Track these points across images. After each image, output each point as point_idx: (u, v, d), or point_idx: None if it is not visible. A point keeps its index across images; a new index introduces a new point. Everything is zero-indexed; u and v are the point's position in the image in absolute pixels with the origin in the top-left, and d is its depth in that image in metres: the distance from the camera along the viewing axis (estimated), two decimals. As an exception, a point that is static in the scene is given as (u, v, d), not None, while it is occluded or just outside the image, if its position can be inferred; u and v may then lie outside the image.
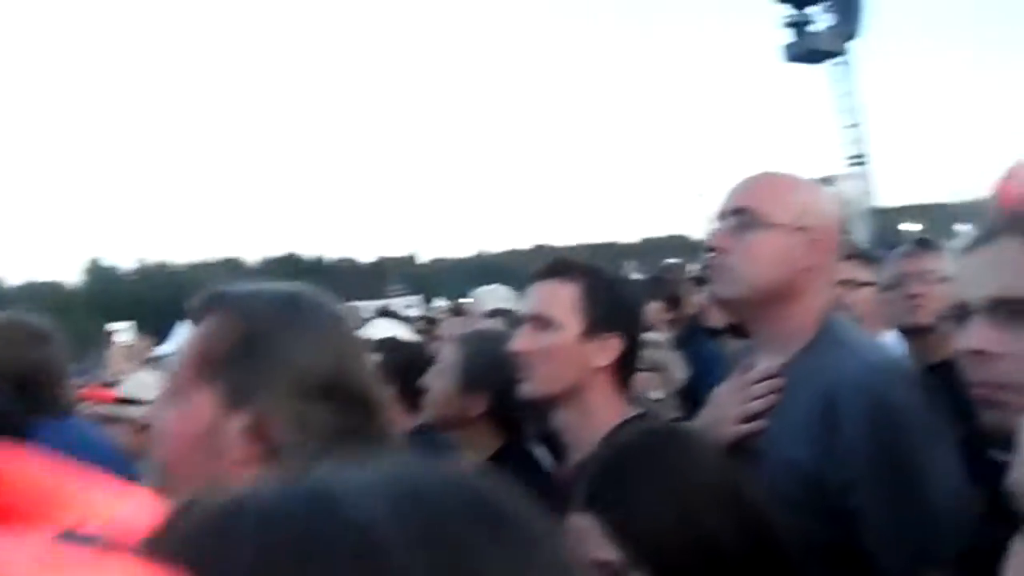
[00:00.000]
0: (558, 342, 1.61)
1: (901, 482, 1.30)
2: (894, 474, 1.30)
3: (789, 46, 43.47)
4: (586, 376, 1.62)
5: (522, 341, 1.64)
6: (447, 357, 2.14)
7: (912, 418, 1.32)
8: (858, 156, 45.35)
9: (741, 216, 1.50)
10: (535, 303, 1.68)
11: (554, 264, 1.72)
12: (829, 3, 42.56)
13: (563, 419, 1.66)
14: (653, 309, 3.79)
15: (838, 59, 44.16)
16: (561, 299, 1.64)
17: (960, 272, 1.09)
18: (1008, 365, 0.99)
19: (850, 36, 43.24)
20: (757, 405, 1.48)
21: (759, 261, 1.47)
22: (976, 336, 1.01)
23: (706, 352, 3.58)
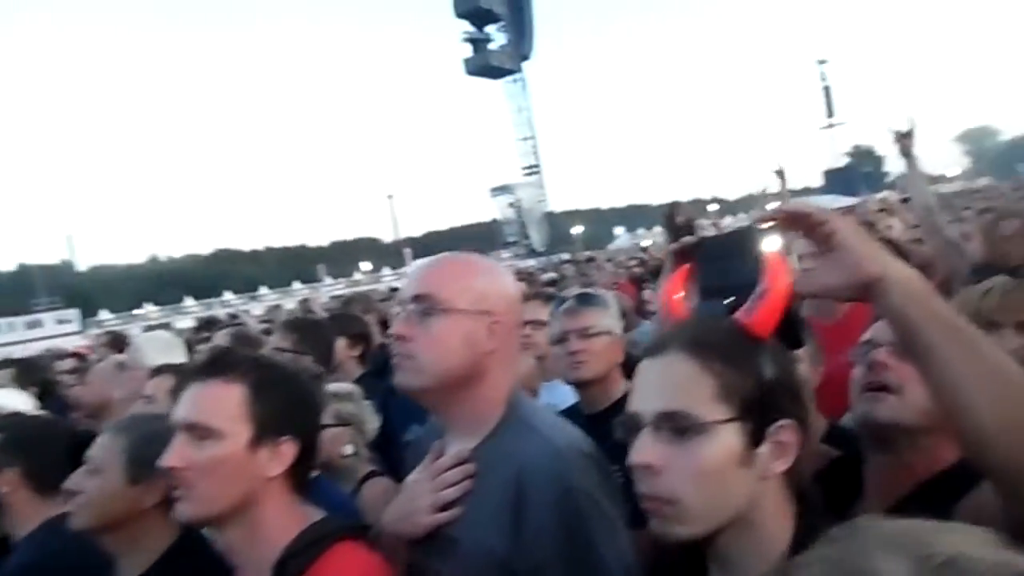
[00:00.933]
0: (221, 454, 1.38)
1: (584, 568, 1.32)
2: (577, 560, 1.32)
3: (468, 60, 46.20)
4: (257, 488, 1.42)
5: (177, 455, 1.38)
6: (101, 452, 1.78)
7: (593, 503, 1.35)
8: (533, 166, 49.77)
9: (421, 303, 1.45)
10: (191, 410, 1.41)
11: (214, 361, 1.48)
12: (503, 24, 46.03)
13: (230, 538, 1.43)
14: (340, 347, 3.62)
15: (514, 76, 48.01)
16: (224, 404, 1.41)
17: (635, 381, 1.12)
18: (670, 479, 1.02)
19: (524, 56, 47.22)
20: (450, 493, 1.44)
21: (442, 348, 1.43)
22: (643, 451, 1.04)
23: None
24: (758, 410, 1.03)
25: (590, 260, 8.34)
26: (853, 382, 1.46)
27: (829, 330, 2.45)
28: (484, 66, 47.31)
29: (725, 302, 1.10)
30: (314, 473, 1.64)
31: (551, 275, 10.24)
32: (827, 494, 1.47)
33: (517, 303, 1.56)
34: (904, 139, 3.63)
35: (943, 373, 0.97)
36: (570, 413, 2.41)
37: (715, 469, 1.01)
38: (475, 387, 1.46)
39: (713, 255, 1.11)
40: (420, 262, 1.56)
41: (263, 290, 47.83)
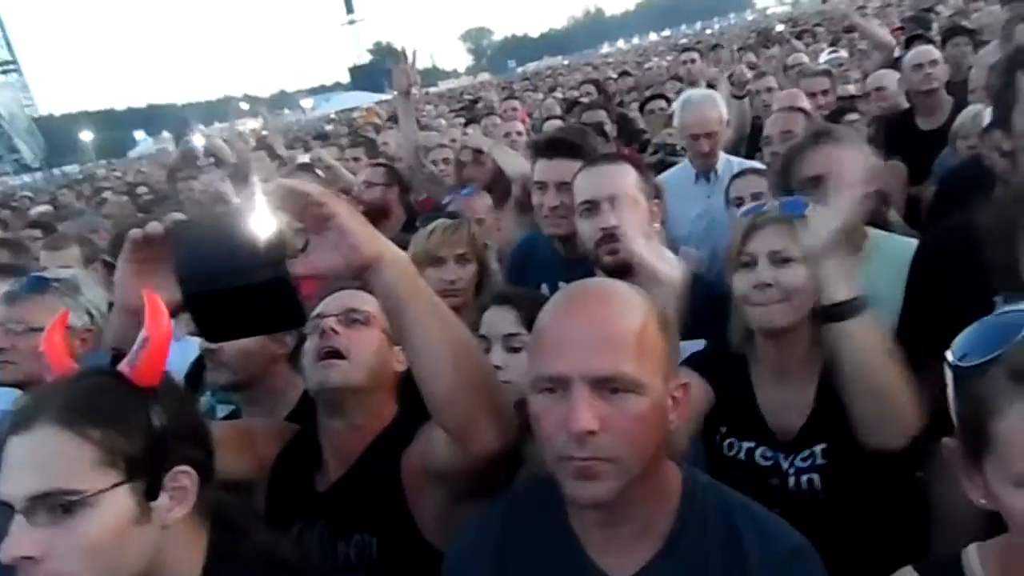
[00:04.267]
0: None
1: None
2: None
3: None
4: None
5: None
6: None
7: None
8: (8, 62, 40.66)
9: None
10: None
11: None
12: None
13: None
14: None
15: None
16: None
17: (3, 463, 0.97)
18: (58, 564, 0.93)
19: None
20: None
21: None
22: (18, 542, 0.92)
23: None
24: (149, 465, 0.99)
25: (95, 192, 6.77)
26: (307, 353, 1.52)
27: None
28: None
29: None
30: None
31: (45, 207, 8.39)
32: (292, 468, 1.55)
33: None
34: (403, 79, 3.77)
35: (421, 341, 1.08)
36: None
37: (108, 539, 0.96)
38: None
39: (190, 240, 0.98)
40: None
41: None
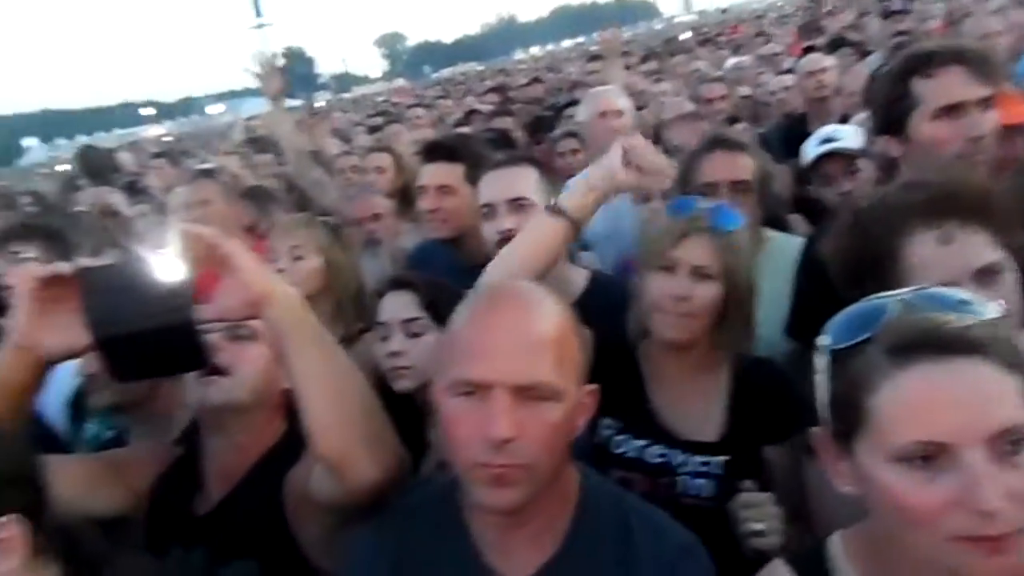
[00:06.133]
0: None
1: None
2: None
3: None
4: None
5: None
6: None
7: None
8: None
9: None
10: None
11: None
12: None
13: None
14: None
15: None
16: None
17: None
18: None
19: None
20: None
21: None
22: None
23: None
24: None
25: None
26: None
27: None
28: None
29: None
30: None
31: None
32: (171, 492, 1.45)
33: None
34: (269, 80, 3.64)
35: (302, 372, 1.12)
36: None
37: None
38: None
39: (100, 287, 1.03)
40: None
41: None
